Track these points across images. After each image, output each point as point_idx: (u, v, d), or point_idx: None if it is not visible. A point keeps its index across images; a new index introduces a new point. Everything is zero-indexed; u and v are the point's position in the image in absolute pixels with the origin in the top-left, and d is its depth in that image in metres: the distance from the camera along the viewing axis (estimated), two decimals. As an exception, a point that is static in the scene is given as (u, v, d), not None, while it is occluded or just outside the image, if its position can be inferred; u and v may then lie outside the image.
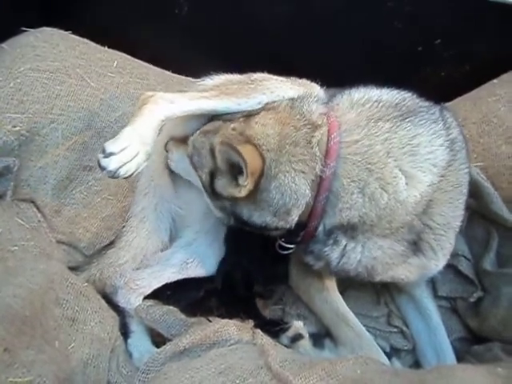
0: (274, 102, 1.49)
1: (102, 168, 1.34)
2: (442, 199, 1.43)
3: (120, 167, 1.35)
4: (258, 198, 1.39)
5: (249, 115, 1.47)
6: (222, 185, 1.42)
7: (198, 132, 1.53)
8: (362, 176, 1.35)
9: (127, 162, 1.36)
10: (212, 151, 1.43)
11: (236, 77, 1.62)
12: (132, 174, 1.38)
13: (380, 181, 1.35)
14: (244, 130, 1.42)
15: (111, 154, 1.34)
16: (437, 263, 1.53)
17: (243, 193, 1.37)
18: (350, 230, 1.41)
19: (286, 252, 1.56)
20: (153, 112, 1.43)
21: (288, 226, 1.41)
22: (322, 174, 1.35)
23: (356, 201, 1.36)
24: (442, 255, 1.52)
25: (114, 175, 1.35)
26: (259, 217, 1.42)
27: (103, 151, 1.35)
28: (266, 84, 1.53)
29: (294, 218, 1.39)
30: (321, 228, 1.43)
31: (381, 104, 1.45)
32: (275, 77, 1.59)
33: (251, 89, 1.51)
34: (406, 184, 1.36)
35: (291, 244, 1.53)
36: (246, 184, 1.35)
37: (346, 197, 1.36)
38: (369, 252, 1.43)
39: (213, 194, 1.48)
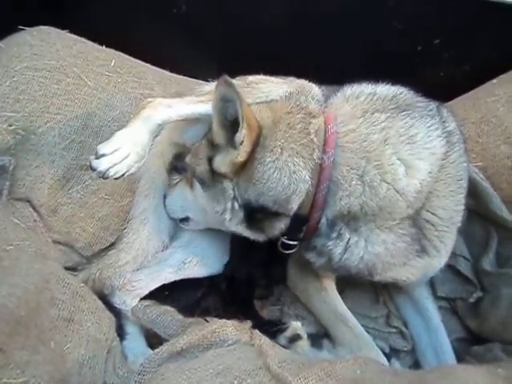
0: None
1: (93, 169, 1.39)
2: (444, 191, 1.42)
3: (110, 168, 1.38)
4: (256, 174, 1.36)
5: None
6: (221, 159, 1.39)
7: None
8: (360, 164, 1.35)
9: (117, 163, 1.39)
10: (208, 138, 1.44)
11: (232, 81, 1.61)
12: (123, 174, 1.41)
13: (378, 169, 1.35)
14: None
15: (103, 155, 1.38)
16: (440, 261, 1.53)
17: (242, 155, 1.34)
18: (352, 220, 1.40)
19: (288, 251, 1.53)
20: (150, 116, 1.49)
21: (287, 213, 1.40)
22: (322, 163, 1.35)
23: (355, 188, 1.35)
24: (444, 252, 1.52)
25: (103, 176, 1.39)
26: (262, 202, 1.38)
27: (96, 153, 1.39)
28: (262, 87, 1.55)
29: (294, 206, 1.38)
30: (323, 220, 1.42)
31: (376, 97, 1.45)
32: (272, 78, 1.60)
33: (246, 92, 1.51)
34: (406, 172, 1.36)
35: (294, 241, 1.51)
36: (243, 138, 1.31)
37: (346, 184, 1.36)
38: (372, 247, 1.42)
39: (214, 180, 1.44)
